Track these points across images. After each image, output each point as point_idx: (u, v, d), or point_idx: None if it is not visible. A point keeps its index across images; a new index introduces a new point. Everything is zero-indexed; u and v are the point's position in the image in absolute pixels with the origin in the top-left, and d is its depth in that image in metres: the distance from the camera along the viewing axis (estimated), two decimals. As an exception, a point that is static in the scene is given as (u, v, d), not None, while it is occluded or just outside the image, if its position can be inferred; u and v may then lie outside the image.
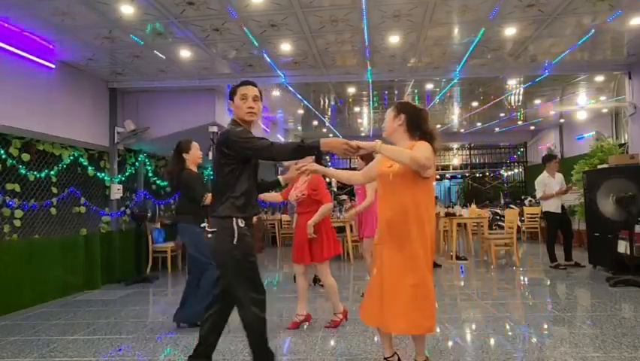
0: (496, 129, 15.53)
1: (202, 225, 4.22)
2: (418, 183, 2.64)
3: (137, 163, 8.44)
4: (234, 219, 2.61)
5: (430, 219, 2.72)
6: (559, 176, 7.29)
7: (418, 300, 2.59)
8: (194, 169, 4.49)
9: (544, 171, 7.35)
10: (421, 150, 2.62)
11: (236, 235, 2.59)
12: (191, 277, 4.40)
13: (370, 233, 5.27)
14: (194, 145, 4.50)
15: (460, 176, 22.45)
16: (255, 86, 2.82)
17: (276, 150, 2.54)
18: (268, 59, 6.82)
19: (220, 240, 2.62)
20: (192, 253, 4.37)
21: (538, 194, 7.34)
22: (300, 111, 11.48)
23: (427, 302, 2.62)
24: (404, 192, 2.66)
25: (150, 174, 8.91)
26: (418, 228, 2.64)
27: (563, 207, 7.25)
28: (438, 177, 22.49)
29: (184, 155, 4.44)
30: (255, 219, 2.88)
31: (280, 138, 13.42)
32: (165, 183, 9.55)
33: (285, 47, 6.33)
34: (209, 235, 2.67)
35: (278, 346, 3.74)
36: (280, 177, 3.25)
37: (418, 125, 2.77)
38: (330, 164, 19.37)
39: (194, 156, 4.47)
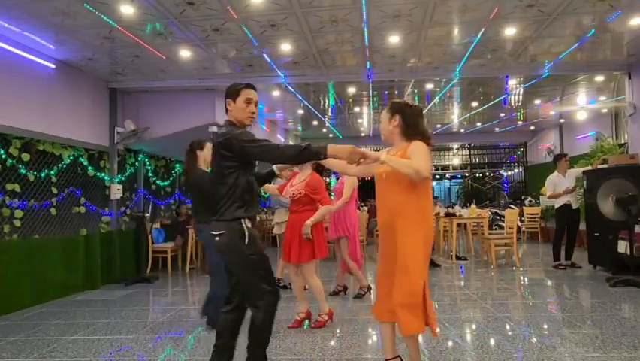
0: (496, 129, 15.53)
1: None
2: (411, 182, 2.57)
3: (137, 163, 8.43)
4: (242, 220, 2.63)
5: (425, 220, 2.64)
6: (570, 174, 7.25)
7: (406, 301, 2.55)
8: (206, 169, 4.44)
9: (555, 171, 7.35)
10: (420, 157, 2.54)
11: (247, 235, 2.61)
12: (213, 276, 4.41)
13: (343, 232, 5.28)
14: (208, 145, 4.46)
15: (460, 176, 22.46)
16: (256, 91, 2.83)
17: (283, 152, 2.58)
18: (268, 59, 6.81)
19: (232, 242, 2.62)
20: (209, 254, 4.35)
21: (548, 193, 7.35)
22: (300, 111, 11.48)
23: (414, 303, 2.54)
24: (396, 193, 2.61)
25: (150, 174, 8.91)
26: (409, 229, 2.57)
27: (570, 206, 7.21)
28: (438, 177, 22.53)
29: (197, 152, 4.41)
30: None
31: (280, 138, 13.42)
32: (165, 183, 9.56)
33: (285, 47, 6.33)
34: (217, 238, 2.66)
35: (278, 346, 3.74)
36: (275, 167, 3.23)
37: (414, 124, 2.70)
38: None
39: (207, 155, 4.40)
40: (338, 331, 4.14)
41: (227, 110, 2.78)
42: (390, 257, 2.67)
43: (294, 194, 4.24)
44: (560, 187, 7.13)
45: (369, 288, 5.51)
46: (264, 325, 2.68)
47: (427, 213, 2.69)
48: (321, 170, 4.54)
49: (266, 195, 15.72)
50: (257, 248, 2.66)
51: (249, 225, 2.65)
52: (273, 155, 2.60)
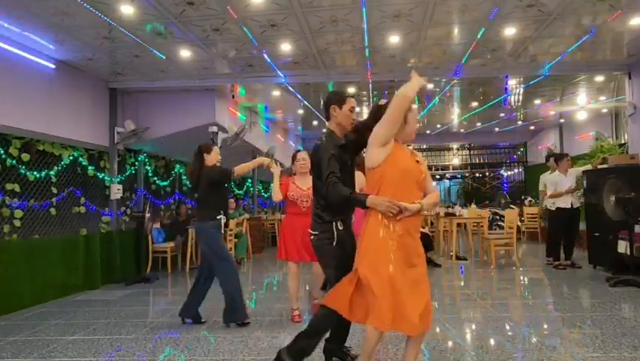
0: (496, 129, 15.54)
1: (218, 217, 4.40)
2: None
3: (137, 163, 8.43)
4: (334, 223, 2.92)
5: None
6: (571, 173, 7.24)
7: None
8: None
9: (556, 170, 7.34)
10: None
11: (335, 237, 2.90)
12: (198, 274, 4.59)
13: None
14: (215, 149, 4.62)
15: (460, 176, 22.46)
16: None
17: (332, 192, 2.76)
18: (268, 59, 6.82)
19: (322, 242, 2.95)
20: (205, 251, 4.51)
21: (549, 192, 7.35)
22: (300, 111, 11.48)
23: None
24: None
25: (150, 174, 8.91)
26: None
27: (572, 204, 7.19)
28: (438, 176, 22.50)
29: (205, 155, 4.53)
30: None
31: (280, 138, 13.44)
32: (165, 183, 9.56)
33: (285, 47, 6.33)
34: (312, 237, 3.01)
35: (278, 346, 3.74)
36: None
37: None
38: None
39: (215, 159, 4.56)
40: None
41: (329, 115, 3.09)
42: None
43: (303, 199, 4.46)
44: (562, 187, 7.12)
45: None
46: (317, 320, 2.85)
47: None
48: None
49: (266, 195, 15.70)
50: (344, 249, 2.88)
51: (341, 227, 2.92)
52: (327, 188, 2.78)
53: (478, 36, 6.08)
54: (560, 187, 7.15)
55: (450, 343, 3.72)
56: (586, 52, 6.95)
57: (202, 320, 4.52)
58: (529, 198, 13.06)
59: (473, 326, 4.23)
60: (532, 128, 15.43)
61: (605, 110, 10.97)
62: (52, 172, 6.34)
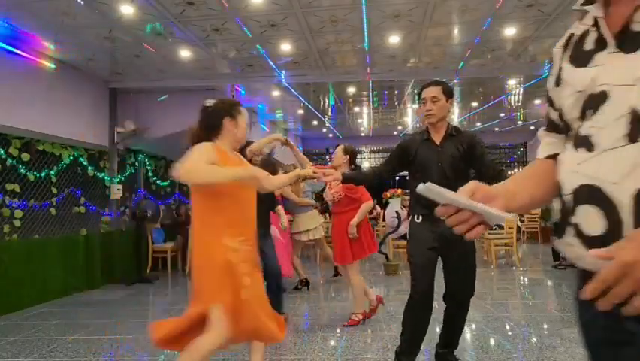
0: (496, 129, 15.54)
1: None
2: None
3: (137, 163, 8.43)
4: (412, 216, 2.97)
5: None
6: None
7: None
8: None
9: None
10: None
11: (408, 233, 3.04)
12: None
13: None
14: None
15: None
16: (430, 87, 2.88)
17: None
18: (268, 59, 6.82)
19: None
20: None
21: None
22: (300, 111, 11.48)
23: None
24: None
25: (150, 174, 8.90)
26: None
27: None
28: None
29: None
30: None
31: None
32: (165, 183, 9.54)
33: (285, 47, 6.33)
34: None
35: (277, 346, 3.74)
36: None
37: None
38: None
39: None
40: (338, 331, 4.14)
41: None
42: None
43: (334, 197, 4.28)
44: None
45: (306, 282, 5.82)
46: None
47: None
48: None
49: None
50: (412, 244, 2.92)
51: (418, 220, 2.88)
52: None
53: (484, 28, 6.07)
54: None
55: (450, 343, 3.71)
56: (586, 52, 6.94)
57: None
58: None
59: (473, 326, 4.23)
60: (532, 128, 15.42)
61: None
62: (52, 172, 6.34)
